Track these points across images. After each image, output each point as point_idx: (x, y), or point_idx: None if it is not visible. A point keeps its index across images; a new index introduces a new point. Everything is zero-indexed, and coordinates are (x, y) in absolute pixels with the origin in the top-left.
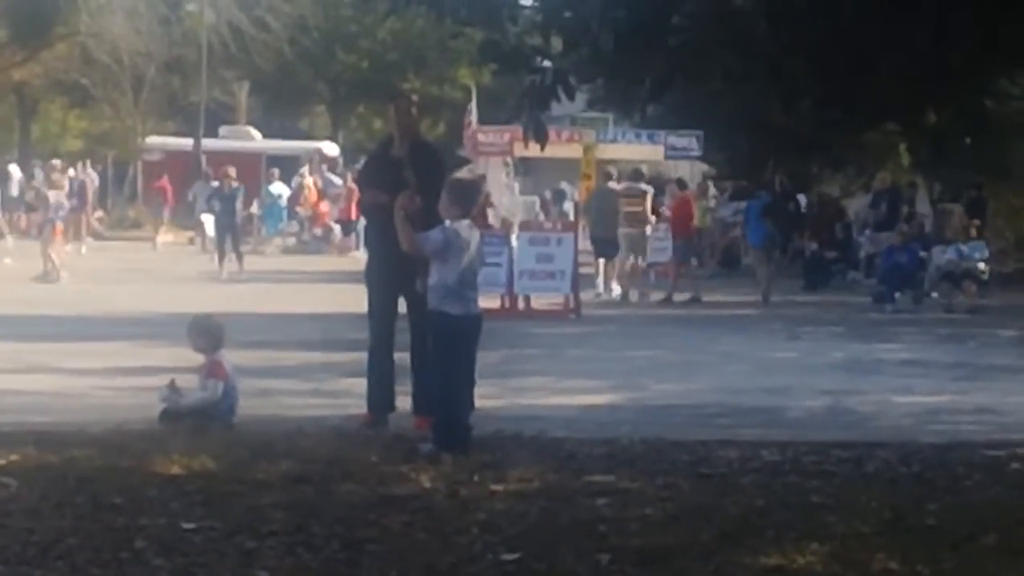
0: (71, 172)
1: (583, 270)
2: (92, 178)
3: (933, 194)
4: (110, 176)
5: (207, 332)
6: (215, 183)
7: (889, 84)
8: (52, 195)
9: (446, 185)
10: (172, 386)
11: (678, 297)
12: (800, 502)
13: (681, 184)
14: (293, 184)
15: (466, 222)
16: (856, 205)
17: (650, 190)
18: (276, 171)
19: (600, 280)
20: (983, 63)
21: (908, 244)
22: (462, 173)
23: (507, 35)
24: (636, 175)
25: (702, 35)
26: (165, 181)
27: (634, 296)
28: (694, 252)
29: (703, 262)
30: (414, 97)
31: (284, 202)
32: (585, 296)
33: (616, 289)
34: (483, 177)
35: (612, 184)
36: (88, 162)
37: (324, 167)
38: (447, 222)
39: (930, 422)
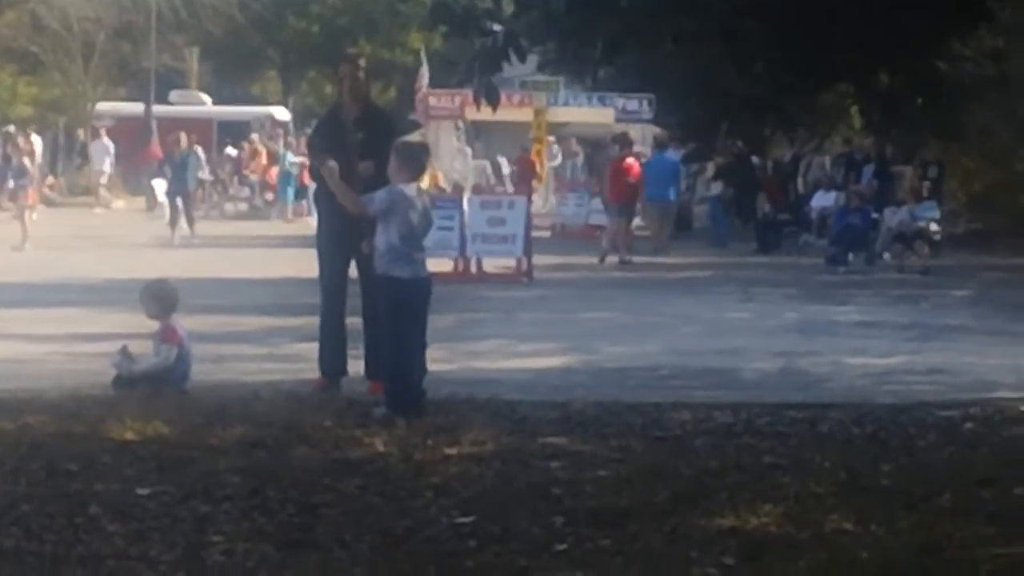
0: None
1: (536, 234)
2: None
3: (885, 155)
4: (61, 143)
5: (160, 297)
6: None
7: (844, 47)
8: (19, 160)
9: (394, 148)
10: (125, 352)
11: (610, 259)
12: (754, 463)
13: (622, 141)
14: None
15: (414, 185)
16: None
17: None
18: (294, 141)
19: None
20: (937, 25)
21: (860, 206)
22: (413, 137)
23: None
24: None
25: None
26: (156, 147)
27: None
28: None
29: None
30: (362, 61)
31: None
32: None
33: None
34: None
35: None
36: (32, 130)
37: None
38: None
39: (884, 383)
